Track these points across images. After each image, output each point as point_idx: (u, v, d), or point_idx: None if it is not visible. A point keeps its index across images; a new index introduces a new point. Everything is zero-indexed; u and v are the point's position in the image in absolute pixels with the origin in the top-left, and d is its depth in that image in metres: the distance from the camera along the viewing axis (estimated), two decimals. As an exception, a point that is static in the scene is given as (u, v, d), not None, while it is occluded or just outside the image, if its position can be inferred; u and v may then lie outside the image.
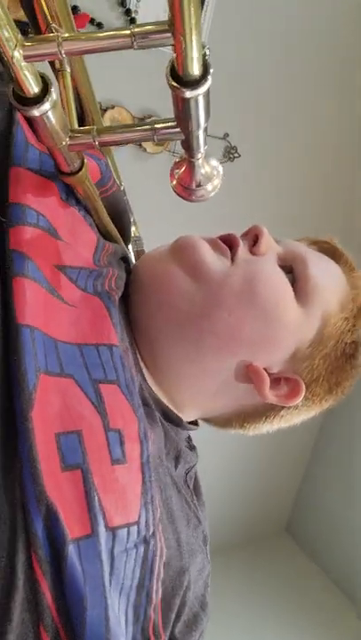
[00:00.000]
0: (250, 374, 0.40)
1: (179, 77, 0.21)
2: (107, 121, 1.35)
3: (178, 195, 0.31)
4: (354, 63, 1.62)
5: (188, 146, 0.26)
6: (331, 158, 1.76)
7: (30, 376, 0.24)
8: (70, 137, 0.26)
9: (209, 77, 0.21)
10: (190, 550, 0.34)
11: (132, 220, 0.50)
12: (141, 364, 0.39)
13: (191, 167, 0.29)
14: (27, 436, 0.23)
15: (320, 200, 1.79)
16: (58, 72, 0.31)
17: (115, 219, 0.41)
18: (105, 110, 1.35)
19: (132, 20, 1.28)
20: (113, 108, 1.35)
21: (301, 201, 1.76)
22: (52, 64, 0.31)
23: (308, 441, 2.32)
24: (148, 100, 1.37)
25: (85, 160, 0.29)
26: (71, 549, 0.23)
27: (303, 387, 0.41)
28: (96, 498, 0.25)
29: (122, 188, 0.42)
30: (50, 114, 0.22)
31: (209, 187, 0.30)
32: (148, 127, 0.26)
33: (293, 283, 0.41)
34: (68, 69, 0.31)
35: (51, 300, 0.28)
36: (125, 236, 0.47)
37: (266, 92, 1.54)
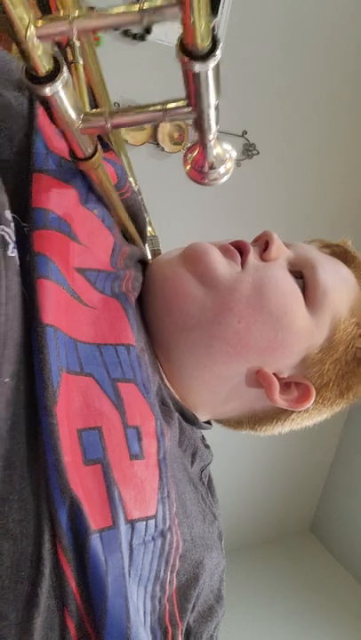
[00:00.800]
0: (260, 379, 0.40)
1: (188, 51, 0.21)
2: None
3: (192, 179, 0.31)
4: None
5: (200, 126, 0.26)
6: (348, 155, 1.74)
7: (55, 374, 0.25)
8: (83, 120, 0.26)
9: (218, 52, 0.21)
10: (205, 545, 0.35)
11: (147, 219, 0.50)
12: (158, 365, 0.39)
13: (204, 149, 0.29)
14: (52, 431, 0.24)
15: (337, 197, 1.78)
16: (70, 64, 0.31)
17: (132, 220, 0.41)
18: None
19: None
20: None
21: (318, 198, 1.76)
22: (65, 57, 0.31)
23: (333, 441, 2.30)
24: (163, 98, 1.39)
25: (99, 146, 0.30)
26: (94, 540, 0.23)
27: (313, 391, 0.42)
28: (116, 491, 0.25)
29: (136, 188, 0.43)
30: (62, 93, 0.23)
31: (222, 169, 0.30)
32: (159, 107, 0.26)
33: (304, 288, 0.41)
34: (81, 61, 0.31)
35: (71, 301, 0.29)
36: (142, 236, 0.48)
37: (284, 89, 1.55)
